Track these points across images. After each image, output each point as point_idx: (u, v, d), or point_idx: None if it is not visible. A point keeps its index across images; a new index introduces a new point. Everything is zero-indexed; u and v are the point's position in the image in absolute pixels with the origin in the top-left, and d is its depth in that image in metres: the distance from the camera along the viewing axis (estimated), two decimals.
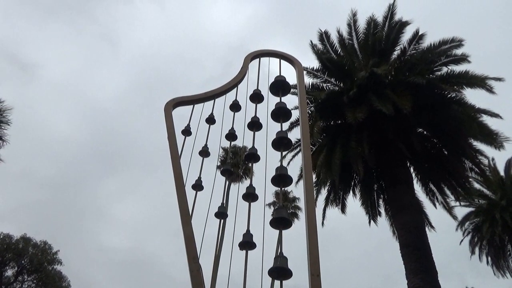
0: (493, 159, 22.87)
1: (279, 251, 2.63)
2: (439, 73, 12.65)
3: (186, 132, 3.76)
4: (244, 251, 2.94)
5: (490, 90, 11.86)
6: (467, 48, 12.40)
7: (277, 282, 2.60)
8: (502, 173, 23.55)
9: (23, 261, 23.59)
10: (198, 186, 3.46)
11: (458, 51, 12.39)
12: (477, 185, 20.33)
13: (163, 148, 3.37)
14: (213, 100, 3.91)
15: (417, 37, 12.63)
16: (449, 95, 12.19)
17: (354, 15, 13.57)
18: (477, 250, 23.89)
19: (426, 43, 12.69)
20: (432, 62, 12.62)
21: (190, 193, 3.19)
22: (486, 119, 12.33)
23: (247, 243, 2.97)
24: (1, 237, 23.62)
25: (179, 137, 3.54)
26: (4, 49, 68.99)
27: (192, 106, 3.88)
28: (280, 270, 2.54)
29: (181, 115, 3.84)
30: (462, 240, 23.97)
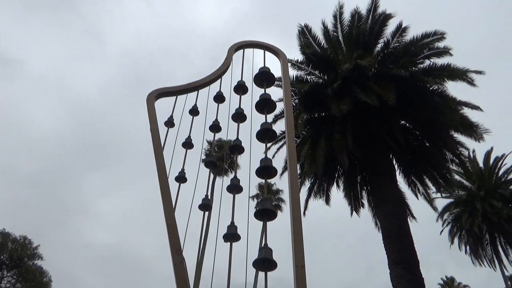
0: (473, 151, 23.43)
1: (263, 242, 2.62)
2: (421, 65, 12.80)
3: (169, 123, 3.69)
4: (228, 243, 2.91)
5: (471, 82, 12.08)
6: (449, 41, 12.58)
7: (262, 274, 2.59)
8: (481, 164, 24.15)
9: (2, 257, 23.11)
10: (181, 178, 3.41)
11: (440, 44, 12.56)
12: (457, 177, 20.82)
13: (146, 140, 3.31)
14: (197, 92, 3.85)
15: (400, 30, 12.74)
16: (431, 88, 12.35)
17: (341, 7, 13.58)
18: (456, 240, 24.53)
19: (409, 36, 12.86)
20: (415, 54, 12.75)
21: (173, 185, 3.15)
22: (467, 111, 12.61)
23: (232, 235, 2.94)
24: None
25: (162, 129, 3.48)
26: None
27: (175, 97, 3.81)
28: (265, 262, 2.52)
29: (164, 106, 3.78)
30: (442, 230, 24.59)
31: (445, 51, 12.44)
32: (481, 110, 12.52)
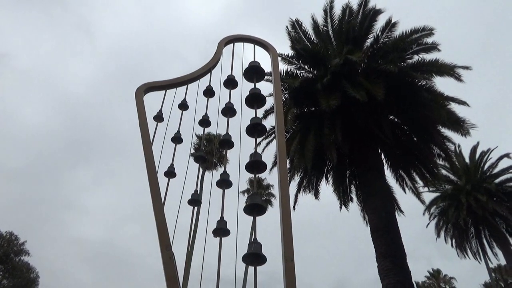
0: (459, 146, 23.78)
1: (253, 237, 2.62)
2: (410, 61, 12.91)
3: (158, 118, 3.65)
4: (218, 238, 2.91)
5: (458, 78, 12.21)
6: (437, 36, 12.70)
7: (251, 268, 2.60)
8: (467, 159, 24.52)
9: None
10: (170, 173, 3.39)
11: (429, 40, 12.67)
12: (443, 171, 21.13)
13: (135, 135, 3.28)
14: (186, 86, 3.81)
15: (389, 25, 12.80)
16: (420, 83, 12.46)
17: (331, 1, 13.56)
18: (442, 233, 24.95)
19: (398, 31, 12.93)
20: (404, 50, 12.83)
21: (162, 180, 3.13)
22: (454, 107, 12.75)
23: (221, 230, 2.94)
24: None
25: (151, 124, 3.45)
26: None
27: (164, 91, 3.77)
28: (254, 256, 2.52)
29: (153, 101, 3.74)
30: (428, 224, 24.98)
31: (434, 47, 12.56)
32: (467, 105, 12.69)
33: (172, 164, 3.45)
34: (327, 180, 14.65)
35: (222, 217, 2.98)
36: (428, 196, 24.60)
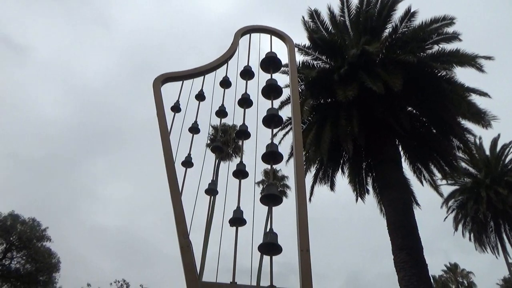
0: (480, 138, 23.26)
1: (269, 227, 2.65)
2: (430, 51, 12.60)
3: (176, 108, 3.70)
4: (234, 228, 2.95)
5: (480, 68, 11.88)
6: (458, 26, 12.36)
7: (267, 258, 2.62)
8: (487, 151, 24.00)
9: (11, 238, 23.48)
10: (188, 163, 3.43)
11: (450, 29, 12.34)
12: (463, 164, 20.75)
13: (152, 125, 3.33)
14: (203, 76, 3.84)
15: (409, 15, 12.51)
16: (440, 74, 12.19)
17: None
18: (460, 226, 24.58)
19: (417, 20, 12.61)
20: (424, 40, 12.54)
21: (180, 170, 3.17)
22: (474, 98, 12.44)
23: (238, 220, 2.97)
24: None
25: (169, 114, 3.49)
26: None
27: (181, 82, 3.81)
28: (270, 246, 2.55)
29: (170, 91, 3.78)
30: (446, 217, 24.64)
31: (454, 37, 12.23)
32: (489, 96, 12.36)
33: (189, 154, 3.50)
34: (343, 172, 14.56)
35: (238, 207, 3.02)
36: (447, 189, 24.23)
